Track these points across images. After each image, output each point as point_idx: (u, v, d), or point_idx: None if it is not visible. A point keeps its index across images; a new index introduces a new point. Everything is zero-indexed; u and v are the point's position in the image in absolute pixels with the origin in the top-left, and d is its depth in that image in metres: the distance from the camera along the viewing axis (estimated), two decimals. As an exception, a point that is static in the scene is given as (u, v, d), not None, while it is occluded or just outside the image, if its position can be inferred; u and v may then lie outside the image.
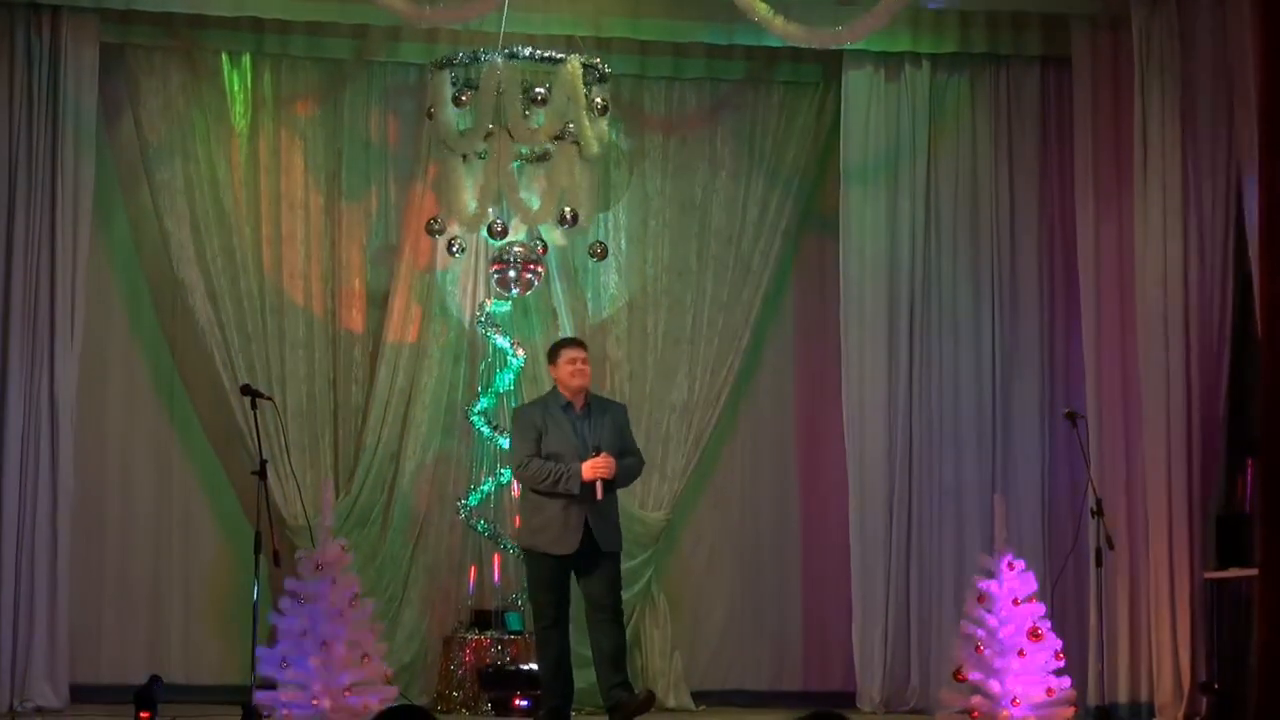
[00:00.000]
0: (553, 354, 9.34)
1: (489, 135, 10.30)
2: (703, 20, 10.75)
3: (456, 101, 10.32)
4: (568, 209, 10.33)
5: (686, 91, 11.25)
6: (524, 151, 10.41)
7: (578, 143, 10.34)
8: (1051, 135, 11.15)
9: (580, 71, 10.20)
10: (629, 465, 9.25)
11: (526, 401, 9.95)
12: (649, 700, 9.12)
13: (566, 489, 8.95)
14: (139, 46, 10.64)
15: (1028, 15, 11.01)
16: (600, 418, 9.19)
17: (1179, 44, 10.43)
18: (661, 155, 11.17)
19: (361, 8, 10.26)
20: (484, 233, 10.46)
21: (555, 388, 9.30)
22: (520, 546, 9.36)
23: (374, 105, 10.93)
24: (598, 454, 8.97)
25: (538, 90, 10.25)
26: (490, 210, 10.39)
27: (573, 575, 9.08)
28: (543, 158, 10.45)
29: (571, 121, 10.27)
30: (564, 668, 9.16)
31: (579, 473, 8.93)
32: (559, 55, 10.26)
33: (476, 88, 10.27)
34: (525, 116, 10.24)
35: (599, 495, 8.92)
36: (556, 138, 10.33)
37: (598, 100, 10.35)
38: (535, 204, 10.42)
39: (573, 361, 9.21)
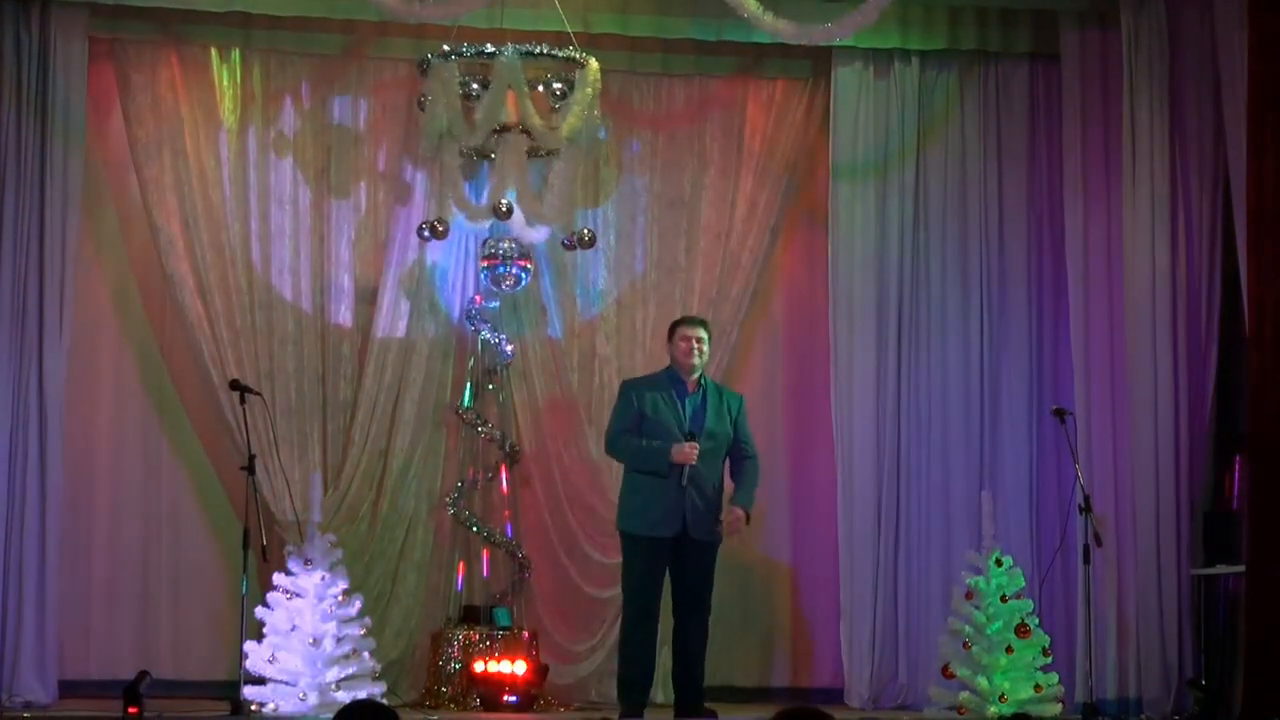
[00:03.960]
0: (670, 331, 9.35)
1: (442, 136, 10.29)
2: (691, 16, 10.75)
3: (420, 105, 10.33)
4: (503, 203, 10.27)
5: (675, 88, 11.25)
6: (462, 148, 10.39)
7: (527, 132, 10.25)
8: (1040, 132, 11.16)
9: (518, 62, 10.09)
10: (753, 472, 9.28)
11: (638, 376, 9.86)
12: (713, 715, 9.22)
13: (652, 468, 8.92)
14: (128, 41, 10.61)
15: (1017, 12, 11.02)
16: (715, 404, 9.14)
17: (1167, 42, 10.46)
18: (650, 151, 11.16)
19: (350, 3, 10.27)
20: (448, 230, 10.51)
21: (670, 365, 9.27)
22: (620, 530, 9.32)
23: (363, 101, 10.92)
24: (693, 439, 8.96)
25: (473, 85, 10.20)
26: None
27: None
28: (485, 153, 10.40)
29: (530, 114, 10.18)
30: (648, 662, 9.14)
31: (665, 452, 8.91)
32: (492, 49, 10.17)
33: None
34: (464, 114, 10.18)
35: (684, 480, 8.90)
36: (500, 130, 10.26)
37: (556, 87, 10.27)
38: (479, 201, 10.43)
39: (687, 339, 9.18)
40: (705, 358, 9.38)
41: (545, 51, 10.23)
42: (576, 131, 10.24)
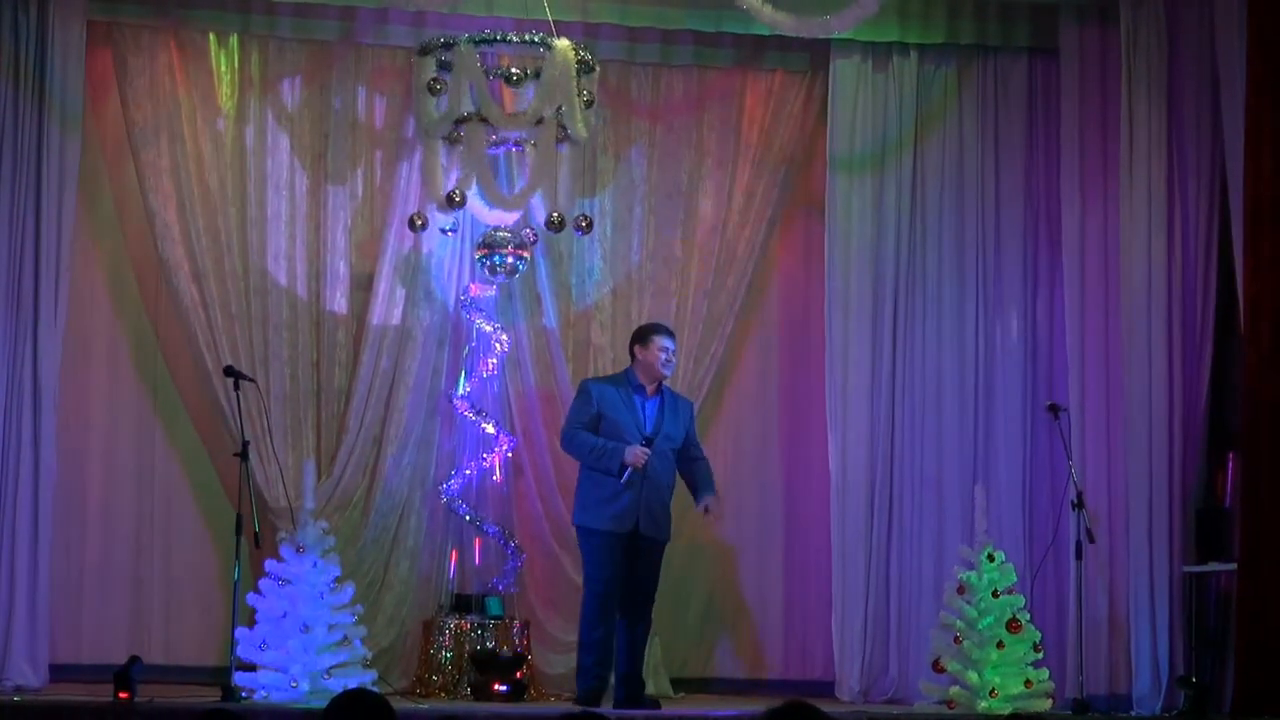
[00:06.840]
0: (644, 336, 9.59)
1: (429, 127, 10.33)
2: (690, 7, 10.74)
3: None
4: (457, 193, 10.25)
5: (674, 79, 11.24)
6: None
7: (485, 120, 10.21)
8: (1038, 127, 11.16)
9: (473, 51, 10.06)
10: (706, 469, 9.69)
11: (597, 377, 10.11)
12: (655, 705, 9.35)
13: (604, 467, 9.13)
14: (126, 25, 10.59)
15: (1016, 6, 11.02)
16: (671, 408, 9.47)
17: (1166, 38, 10.46)
18: (648, 142, 11.15)
19: (348, -11, 10.29)
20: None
21: (631, 368, 9.48)
22: (576, 524, 9.46)
23: (361, 88, 10.90)
24: (648, 444, 9.24)
25: (436, 80, 10.19)
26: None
27: None
28: (454, 140, 10.41)
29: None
30: (608, 652, 9.28)
31: (619, 453, 9.12)
32: (451, 39, 10.16)
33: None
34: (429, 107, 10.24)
35: (624, 481, 9.19)
36: (460, 121, 10.23)
37: (513, 72, 10.25)
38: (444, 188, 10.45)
39: (665, 351, 9.48)
40: (673, 370, 9.72)
41: (503, 38, 10.20)
42: (539, 116, 10.09)
